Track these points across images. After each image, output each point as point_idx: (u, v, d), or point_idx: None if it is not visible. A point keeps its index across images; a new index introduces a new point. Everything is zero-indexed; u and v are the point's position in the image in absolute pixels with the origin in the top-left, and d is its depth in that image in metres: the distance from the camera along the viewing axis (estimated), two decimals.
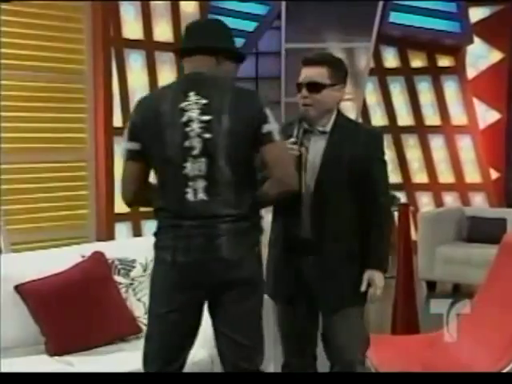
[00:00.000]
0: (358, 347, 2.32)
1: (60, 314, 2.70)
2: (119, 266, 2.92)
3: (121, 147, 4.51)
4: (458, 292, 5.57)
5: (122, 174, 2.18)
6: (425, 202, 7.59)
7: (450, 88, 7.47)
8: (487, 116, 7.48)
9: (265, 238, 2.35)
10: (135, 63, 4.64)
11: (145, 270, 2.92)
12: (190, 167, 2.07)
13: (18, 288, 2.74)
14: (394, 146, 7.76)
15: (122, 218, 4.60)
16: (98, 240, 4.44)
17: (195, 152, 2.06)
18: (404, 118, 7.65)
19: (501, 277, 2.82)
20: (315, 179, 2.28)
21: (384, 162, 2.38)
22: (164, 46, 4.72)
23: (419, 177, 7.62)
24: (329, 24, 7.10)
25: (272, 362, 2.88)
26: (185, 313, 2.14)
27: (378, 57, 7.39)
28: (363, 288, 2.29)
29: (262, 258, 2.20)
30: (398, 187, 7.21)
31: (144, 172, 2.17)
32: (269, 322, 2.84)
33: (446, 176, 7.58)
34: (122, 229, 4.73)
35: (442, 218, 5.75)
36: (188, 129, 2.06)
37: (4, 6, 3.96)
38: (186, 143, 2.06)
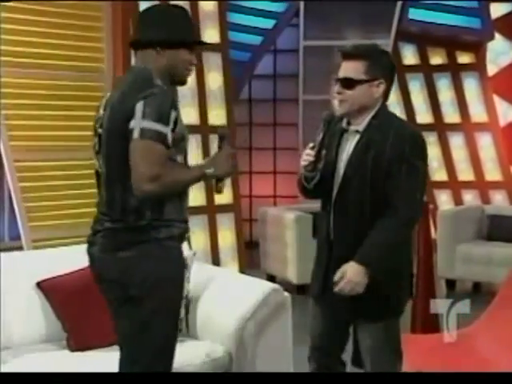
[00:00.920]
0: (383, 361, 2.24)
1: (82, 310, 2.72)
2: None
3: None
4: (479, 291, 5.53)
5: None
6: (444, 200, 7.53)
7: (470, 85, 7.39)
8: (508, 113, 7.40)
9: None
10: None
11: None
12: (97, 164, 2.13)
13: (41, 284, 2.77)
14: None
15: None
16: None
17: (96, 148, 2.12)
18: (423, 116, 7.58)
19: None
20: (340, 180, 2.23)
21: (413, 165, 2.17)
22: None
23: (438, 175, 7.56)
24: (347, 21, 7.07)
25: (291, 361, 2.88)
26: None
27: (396, 54, 7.34)
28: (335, 278, 2.16)
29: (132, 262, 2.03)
30: None
31: None
32: (288, 321, 2.85)
33: (465, 174, 7.51)
34: None
35: (461, 216, 5.70)
36: (97, 125, 2.12)
37: (23, 5, 3.98)
38: (95, 139, 2.12)
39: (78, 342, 2.70)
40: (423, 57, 7.48)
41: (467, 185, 7.48)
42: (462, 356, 2.61)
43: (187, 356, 2.68)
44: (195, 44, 2.17)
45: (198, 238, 4.75)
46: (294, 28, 7.12)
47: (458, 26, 6.99)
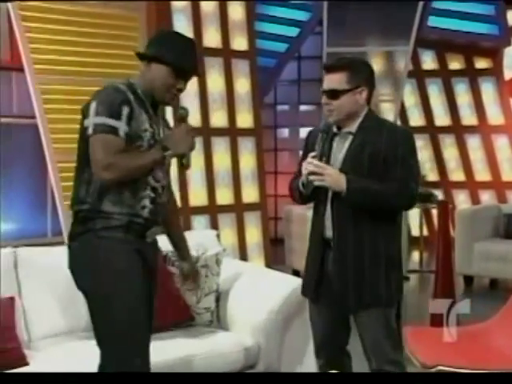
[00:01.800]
0: (381, 346, 2.23)
1: None
2: (173, 258, 2.94)
3: None
4: (496, 287, 5.45)
5: None
6: (461, 199, 7.45)
7: (488, 89, 7.30)
8: None
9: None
10: None
11: (196, 262, 2.94)
12: None
13: None
14: (432, 146, 7.64)
15: None
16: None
17: None
18: (441, 119, 7.51)
19: None
20: None
21: (407, 167, 2.20)
22: (213, 52, 4.74)
23: (456, 175, 7.48)
24: (368, 29, 7.01)
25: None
26: None
27: (416, 59, 7.27)
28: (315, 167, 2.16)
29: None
30: (435, 185, 7.09)
31: None
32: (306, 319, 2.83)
33: (482, 174, 7.42)
34: None
35: (479, 215, 5.62)
36: None
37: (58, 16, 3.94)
38: None
39: None
40: (442, 62, 7.41)
41: (484, 185, 7.39)
42: (481, 350, 2.57)
43: (217, 346, 2.69)
44: (184, 71, 2.10)
45: (226, 235, 4.75)
46: (318, 36, 7.10)
47: (476, 33, 6.90)
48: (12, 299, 2.49)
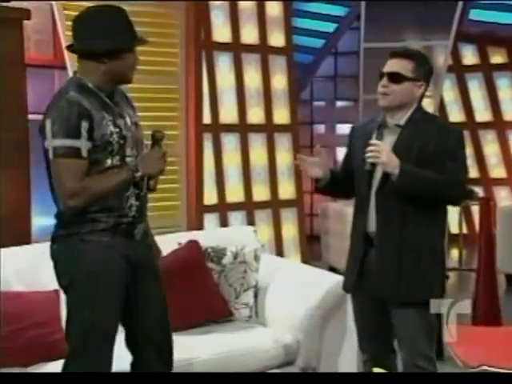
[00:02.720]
0: (417, 341, 2.21)
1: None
2: (212, 254, 2.97)
3: (210, 143, 4.64)
4: None
5: None
6: (503, 196, 7.28)
7: None
8: None
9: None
10: (223, 64, 4.68)
11: (235, 258, 2.96)
12: None
13: None
14: (472, 142, 7.49)
15: (210, 209, 4.67)
16: (189, 230, 4.52)
17: None
18: (482, 114, 7.35)
19: None
20: (380, 175, 2.21)
21: (456, 161, 2.20)
22: (250, 48, 4.74)
23: (497, 172, 7.31)
24: (407, 23, 6.91)
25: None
26: None
27: (456, 54, 7.12)
28: (371, 147, 2.14)
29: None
30: (475, 182, 6.95)
31: None
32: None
33: None
34: (210, 219, 4.80)
35: None
36: None
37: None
38: None
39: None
40: (483, 56, 7.24)
41: None
42: None
43: (256, 342, 2.70)
44: (137, 45, 2.08)
45: (262, 231, 4.75)
46: (355, 31, 7.02)
47: None
48: (56, 292, 2.54)
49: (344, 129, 7.52)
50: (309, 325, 2.73)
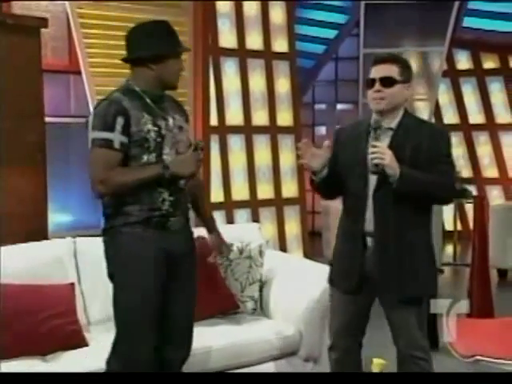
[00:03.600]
0: (412, 335, 2.19)
1: None
2: None
3: (216, 144, 4.64)
4: None
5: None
6: (495, 195, 7.27)
7: None
8: None
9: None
10: (229, 69, 4.69)
11: (241, 253, 2.96)
12: None
13: None
14: (466, 143, 7.49)
15: (216, 207, 4.68)
16: (196, 226, 4.54)
17: None
18: (475, 117, 7.34)
19: None
20: (376, 176, 2.17)
21: (448, 163, 2.19)
22: (255, 54, 4.75)
23: (490, 171, 7.30)
24: (404, 30, 6.90)
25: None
26: None
27: (450, 59, 7.11)
28: (372, 148, 2.12)
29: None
30: (469, 181, 6.94)
31: None
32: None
33: None
34: (216, 216, 4.82)
35: None
36: None
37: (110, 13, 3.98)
38: None
39: None
40: (476, 62, 7.23)
41: None
42: None
43: (261, 333, 2.70)
44: (181, 52, 2.16)
45: (267, 228, 4.76)
46: (355, 37, 7.01)
47: (511, 32, 6.69)
48: (72, 285, 2.55)
49: None
50: (311, 317, 2.73)
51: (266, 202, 4.71)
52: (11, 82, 3.10)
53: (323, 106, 7.97)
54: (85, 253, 2.73)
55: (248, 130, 4.67)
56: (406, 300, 2.20)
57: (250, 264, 2.94)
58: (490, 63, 7.24)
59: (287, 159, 4.88)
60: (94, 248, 2.76)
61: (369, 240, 2.22)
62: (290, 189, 4.89)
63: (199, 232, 3.06)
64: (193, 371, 2.36)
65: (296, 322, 2.75)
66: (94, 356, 2.31)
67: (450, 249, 6.51)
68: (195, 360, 2.38)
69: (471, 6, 6.62)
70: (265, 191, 4.75)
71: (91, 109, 3.83)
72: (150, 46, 2.11)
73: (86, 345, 2.44)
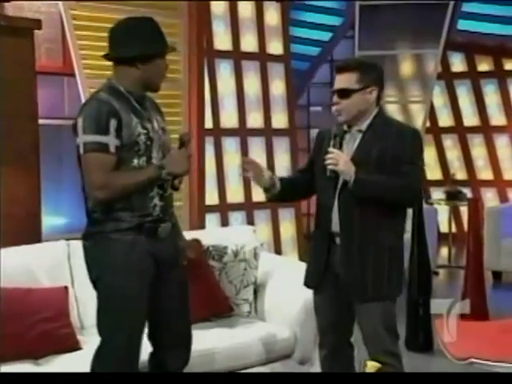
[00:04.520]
0: (379, 337, 2.19)
1: None
2: (213, 252, 2.97)
3: (211, 146, 4.63)
4: None
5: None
6: (489, 197, 7.29)
7: None
8: None
9: None
10: (224, 71, 4.69)
11: (235, 256, 2.96)
12: None
13: None
14: (460, 145, 7.51)
15: (211, 209, 4.67)
16: (191, 229, 4.53)
17: None
18: (470, 119, 7.37)
19: None
20: (342, 178, 2.19)
21: (412, 164, 2.17)
22: (250, 56, 4.75)
23: (484, 174, 7.33)
24: (399, 32, 6.92)
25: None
26: None
27: (445, 62, 7.14)
28: (329, 155, 2.15)
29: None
30: (464, 183, 6.97)
31: None
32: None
33: (510, 173, 7.26)
34: (211, 219, 4.81)
35: (506, 212, 5.50)
36: None
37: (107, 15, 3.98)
38: None
39: None
40: (471, 64, 7.26)
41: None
42: None
43: (256, 336, 2.70)
44: (167, 52, 2.11)
45: (262, 230, 4.76)
46: (350, 39, 7.03)
47: (505, 35, 6.73)
48: (66, 288, 2.54)
49: None
50: (305, 319, 2.73)
51: (261, 205, 4.71)
52: (4, 83, 3.09)
53: (318, 108, 7.98)
54: (79, 256, 2.69)
55: (243, 133, 4.67)
56: (369, 301, 2.20)
57: (244, 267, 2.94)
58: (484, 66, 7.27)
59: (282, 162, 4.88)
60: None
61: (337, 240, 2.24)
62: None
63: (192, 235, 3.07)
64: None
65: (291, 325, 2.75)
66: (87, 359, 2.30)
67: (444, 251, 6.53)
68: (190, 363, 2.37)
69: (466, 8, 6.65)
70: (260, 194, 4.71)
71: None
72: (139, 44, 2.03)
73: (80, 348, 2.43)
